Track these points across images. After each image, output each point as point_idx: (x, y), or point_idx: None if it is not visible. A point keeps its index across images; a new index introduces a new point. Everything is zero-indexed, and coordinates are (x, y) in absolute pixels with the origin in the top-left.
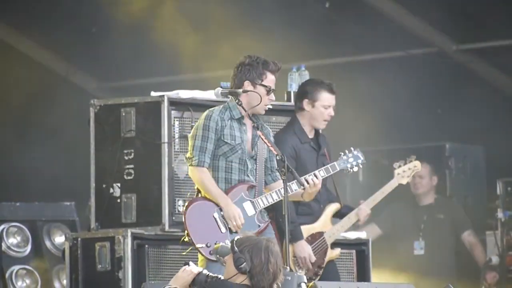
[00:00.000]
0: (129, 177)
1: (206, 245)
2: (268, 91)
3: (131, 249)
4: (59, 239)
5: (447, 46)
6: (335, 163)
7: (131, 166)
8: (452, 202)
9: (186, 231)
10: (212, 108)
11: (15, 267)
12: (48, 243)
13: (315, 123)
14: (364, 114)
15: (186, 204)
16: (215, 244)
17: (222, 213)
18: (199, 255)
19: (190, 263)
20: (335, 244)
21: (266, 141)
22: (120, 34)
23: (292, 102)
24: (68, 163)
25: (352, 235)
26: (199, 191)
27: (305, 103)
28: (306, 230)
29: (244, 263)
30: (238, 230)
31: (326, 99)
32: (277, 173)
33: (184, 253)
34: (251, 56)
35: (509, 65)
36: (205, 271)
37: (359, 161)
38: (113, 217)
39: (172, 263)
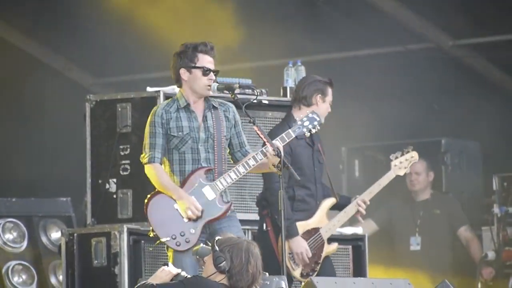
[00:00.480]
0: (125, 173)
1: (172, 237)
2: (204, 72)
3: (127, 244)
4: (55, 234)
5: (443, 42)
6: (289, 130)
7: (127, 161)
8: (448, 197)
9: (150, 227)
10: (158, 104)
11: (11, 263)
12: (44, 239)
13: (321, 118)
14: (360, 110)
15: (147, 199)
16: (181, 235)
17: None
18: (167, 249)
19: (169, 263)
20: (331, 240)
21: (262, 136)
22: (116, 30)
23: (289, 98)
24: (64, 159)
25: (349, 230)
26: None
27: (319, 98)
28: (301, 226)
29: (224, 262)
30: (197, 217)
31: (331, 95)
32: (247, 148)
33: (150, 249)
34: (183, 44)
35: (505, 60)
36: (183, 273)
37: (315, 122)
38: (109, 213)
39: (168, 259)
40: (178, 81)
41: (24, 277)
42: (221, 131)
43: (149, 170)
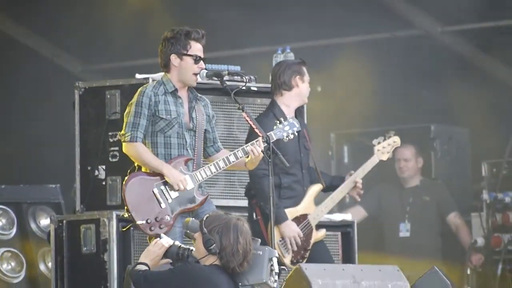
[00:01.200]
0: (114, 159)
1: (147, 221)
2: (196, 60)
3: (116, 231)
4: (45, 221)
5: (432, 28)
6: (271, 132)
7: (116, 148)
8: (437, 184)
9: (125, 207)
10: (146, 84)
11: (0, 250)
12: (33, 226)
13: (304, 98)
14: (349, 96)
15: (126, 178)
16: (156, 220)
17: (162, 187)
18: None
19: (162, 235)
20: (320, 226)
21: (251, 122)
22: (105, 16)
23: None
24: (53, 145)
25: (338, 217)
26: (139, 167)
27: (298, 80)
28: (290, 213)
29: (214, 245)
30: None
31: (307, 74)
32: (219, 144)
33: (123, 230)
34: (173, 29)
35: (494, 46)
36: (177, 243)
37: (295, 129)
38: (98, 200)
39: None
40: (167, 66)
41: (13, 264)
42: (202, 124)
43: (130, 148)
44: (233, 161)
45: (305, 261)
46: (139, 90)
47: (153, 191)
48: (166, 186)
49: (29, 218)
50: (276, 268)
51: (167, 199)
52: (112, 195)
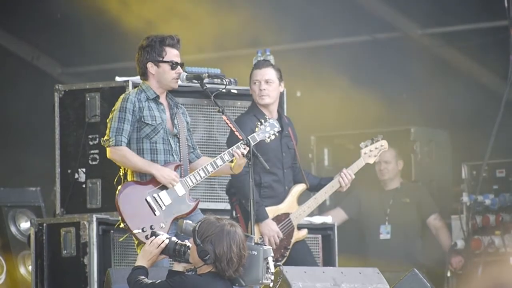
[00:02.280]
0: (94, 162)
1: (142, 230)
2: (172, 66)
3: (96, 234)
4: (25, 224)
5: (412, 31)
6: (254, 134)
7: (96, 151)
8: (418, 186)
9: (120, 217)
10: (128, 91)
11: None
12: (13, 229)
13: (256, 100)
14: (329, 99)
15: (118, 189)
16: (151, 228)
17: (154, 195)
18: (135, 240)
19: (158, 232)
20: (301, 228)
21: (231, 125)
22: (85, 19)
23: None
24: (33, 148)
25: (318, 219)
26: (124, 176)
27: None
28: (272, 211)
29: (208, 255)
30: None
31: (254, 75)
32: (198, 150)
33: (120, 240)
34: (148, 37)
35: (474, 49)
36: (174, 239)
37: (275, 129)
38: (78, 203)
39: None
40: (144, 75)
41: None
42: (183, 130)
43: (116, 152)
44: (220, 165)
45: (285, 259)
46: (122, 96)
47: (146, 200)
48: (159, 194)
49: (9, 221)
50: (272, 267)
51: (160, 206)
52: (92, 198)
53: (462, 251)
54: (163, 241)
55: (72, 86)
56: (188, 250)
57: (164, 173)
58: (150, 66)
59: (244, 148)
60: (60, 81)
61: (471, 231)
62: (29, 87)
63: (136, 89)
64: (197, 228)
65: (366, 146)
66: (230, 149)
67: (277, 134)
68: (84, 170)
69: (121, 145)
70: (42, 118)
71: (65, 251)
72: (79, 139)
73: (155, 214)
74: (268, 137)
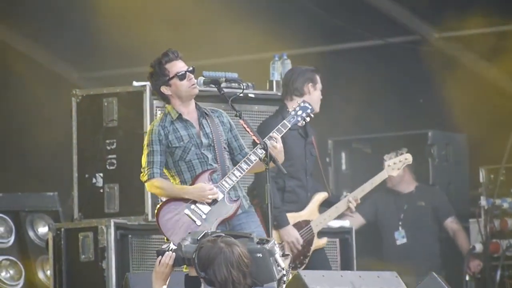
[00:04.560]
0: (111, 167)
1: None
2: (181, 77)
3: (114, 239)
4: (43, 229)
5: (428, 34)
6: (285, 121)
7: (114, 156)
8: (433, 189)
9: (165, 237)
10: (153, 121)
11: None
12: (31, 234)
13: (315, 106)
14: (345, 103)
15: (156, 209)
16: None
17: (192, 207)
18: None
19: (162, 250)
20: (320, 233)
21: (248, 129)
22: (102, 24)
23: (275, 91)
24: (51, 153)
25: (336, 223)
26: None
27: (310, 87)
28: (293, 217)
29: (216, 284)
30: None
31: (320, 82)
32: (247, 150)
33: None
34: (151, 64)
35: (490, 52)
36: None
37: (308, 110)
38: (96, 207)
39: (155, 253)
40: (165, 99)
41: (11, 272)
42: (219, 135)
43: (152, 185)
44: (254, 160)
45: (303, 267)
46: (148, 129)
47: (185, 213)
48: (196, 205)
49: (27, 226)
50: (280, 262)
51: (200, 215)
52: (110, 202)
53: (480, 255)
54: (170, 257)
55: (90, 91)
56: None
57: (196, 194)
58: (164, 89)
59: (276, 138)
60: (77, 86)
61: (489, 235)
62: (47, 92)
63: (161, 114)
64: (196, 261)
65: (390, 158)
66: (259, 144)
67: (312, 115)
68: (101, 174)
69: (153, 177)
70: (60, 122)
71: (83, 256)
72: (96, 144)
73: (197, 224)
74: (302, 119)
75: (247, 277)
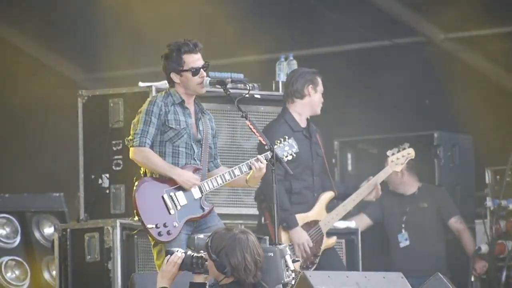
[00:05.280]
0: (117, 168)
1: (156, 226)
2: (193, 72)
3: (120, 239)
4: (48, 230)
5: (434, 35)
6: (268, 153)
7: (120, 156)
8: (436, 189)
9: (135, 211)
10: (156, 94)
11: (5, 258)
12: (37, 234)
13: (316, 108)
14: (351, 104)
15: (136, 183)
16: (164, 226)
17: (171, 193)
18: (151, 240)
19: (174, 249)
20: (328, 233)
21: (254, 130)
22: (107, 24)
23: (281, 92)
24: (57, 154)
25: (342, 224)
26: (144, 175)
27: (310, 89)
28: (301, 218)
29: (226, 268)
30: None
31: (321, 85)
32: (218, 160)
33: (133, 233)
34: (168, 46)
35: (496, 53)
36: (189, 253)
37: (293, 150)
38: (102, 208)
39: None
40: (170, 82)
41: (17, 272)
42: (208, 137)
43: (138, 152)
44: (238, 175)
45: (314, 267)
46: (148, 99)
47: (162, 197)
48: (176, 193)
49: (33, 226)
50: (290, 265)
51: (175, 206)
52: (116, 203)
53: (486, 255)
54: (179, 257)
55: (96, 92)
56: (206, 262)
57: (184, 177)
58: (174, 76)
59: (262, 162)
60: (83, 86)
61: (495, 236)
62: (52, 93)
63: (163, 92)
64: (209, 244)
65: (393, 154)
66: (248, 161)
67: (294, 155)
68: (107, 175)
69: (144, 146)
70: (66, 123)
71: (89, 256)
72: (102, 144)
73: (169, 213)
74: (286, 157)
75: (258, 266)
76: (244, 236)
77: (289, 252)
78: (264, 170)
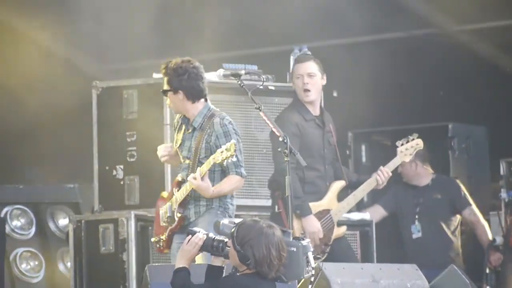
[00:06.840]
0: (132, 159)
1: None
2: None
3: (134, 231)
4: (63, 221)
5: (448, 27)
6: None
7: (134, 148)
8: (449, 180)
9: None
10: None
11: (19, 250)
12: (52, 226)
13: (301, 94)
14: (365, 95)
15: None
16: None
17: (161, 210)
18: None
19: (195, 229)
20: (339, 224)
21: (268, 122)
22: (122, 16)
23: None
24: (70, 145)
25: (356, 216)
26: None
27: (292, 78)
28: (313, 207)
29: (250, 260)
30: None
31: (296, 69)
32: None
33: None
34: (194, 63)
35: (510, 44)
36: (211, 235)
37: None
38: (116, 199)
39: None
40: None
41: (32, 264)
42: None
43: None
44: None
45: (325, 256)
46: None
47: (161, 209)
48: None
49: (47, 218)
50: (311, 261)
51: (167, 220)
52: (130, 194)
53: (500, 247)
54: (200, 238)
55: (110, 83)
56: (227, 247)
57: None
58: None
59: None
60: (96, 78)
61: (509, 228)
62: (66, 84)
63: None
64: (235, 234)
65: (402, 144)
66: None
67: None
68: (122, 167)
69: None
70: (80, 114)
71: (104, 248)
72: (116, 136)
73: (161, 222)
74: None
75: (282, 261)
76: (271, 230)
77: (312, 248)
78: (198, 183)
